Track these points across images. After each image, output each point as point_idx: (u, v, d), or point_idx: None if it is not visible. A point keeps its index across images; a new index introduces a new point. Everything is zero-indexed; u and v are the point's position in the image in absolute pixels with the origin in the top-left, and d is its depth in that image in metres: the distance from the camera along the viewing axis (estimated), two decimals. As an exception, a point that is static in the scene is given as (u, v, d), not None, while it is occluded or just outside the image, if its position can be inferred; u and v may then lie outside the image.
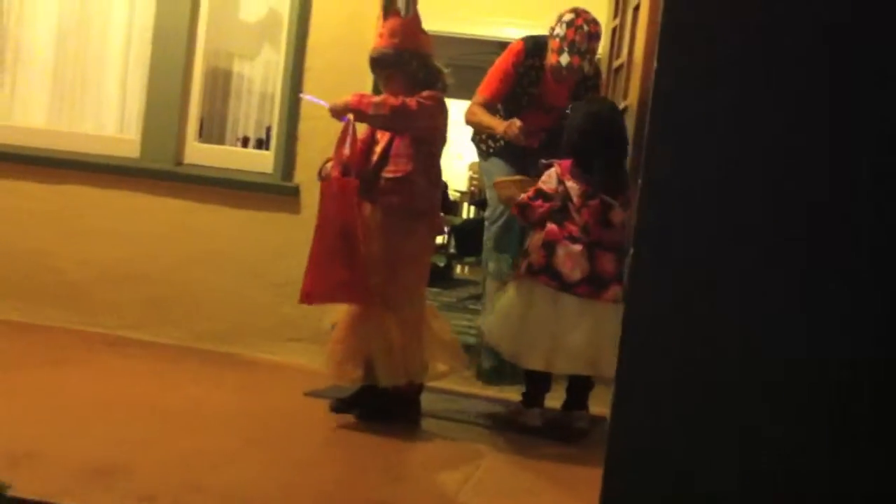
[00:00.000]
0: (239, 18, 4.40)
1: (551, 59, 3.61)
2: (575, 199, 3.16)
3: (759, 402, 1.93)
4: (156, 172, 4.10)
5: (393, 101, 2.99)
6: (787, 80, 1.90)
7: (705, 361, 1.98)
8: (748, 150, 1.94)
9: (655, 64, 1.92)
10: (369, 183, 3.08)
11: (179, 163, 4.14)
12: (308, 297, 3.03)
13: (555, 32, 3.60)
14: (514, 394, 3.50)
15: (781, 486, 1.93)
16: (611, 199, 3.15)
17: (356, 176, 3.02)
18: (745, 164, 1.95)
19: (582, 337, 3.06)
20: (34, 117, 4.43)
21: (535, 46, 3.75)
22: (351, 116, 3.01)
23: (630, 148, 3.36)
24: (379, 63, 3.14)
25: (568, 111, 3.38)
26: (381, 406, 3.09)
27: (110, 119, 4.39)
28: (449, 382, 3.72)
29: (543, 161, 3.26)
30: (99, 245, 4.13)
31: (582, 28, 3.54)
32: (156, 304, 4.06)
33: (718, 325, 1.99)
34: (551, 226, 3.17)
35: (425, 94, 3.06)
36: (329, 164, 3.10)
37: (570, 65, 3.54)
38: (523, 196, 3.24)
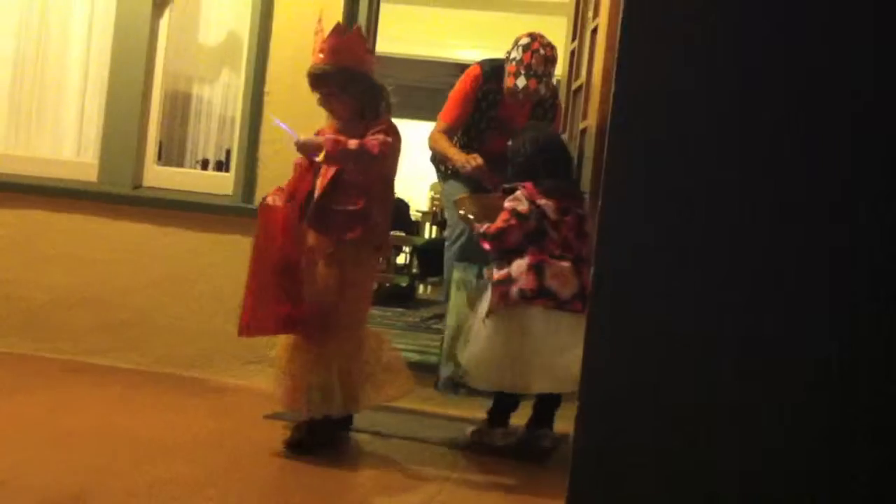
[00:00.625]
0: (198, 41, 4.39)
1: (508, 82, 3.66)
2: (552, 216, 3.16)
3: (729, 423, 1.95)
4: (114, 196, 4.07)
5: (370, 148, 2.90)
6: (747, 107, 1.94)
7: (670, 377, 2.00)
8: (705, 173, 1.98)
9: (613, 87, 1.95)
10: (320, 214, 2.98)
11: (138, 186, 4.12)
12: (246, 329, 2.93)
13: (511, 56, 3.66)
14: (475, 411, 3.49)
15: None
16: (581, 209, 3.20)
17: (302, 205, 2.95)
18: (703, 188, 1.99)
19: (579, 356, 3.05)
20: (-9, 142, 4.37)
21: (492, 70, 3.80)
22: (320, 157, 2.91)
23: (589, 167, 3.41)
24: (320, 81, 3.00)
25: (508, 143, 3.41)
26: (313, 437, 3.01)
27: (68, 143, 4.36)
28: (409, 402, 3.72)
29: (506, 186, 3.25)
30: (57, 270, 4.08)
31: (538, 52, 3.60)
32: (115, 329, 4.01)
33: (679, 347, 2.02)
34: (533, 248, 3.14)
35: (384, 127, 2.99)
36: (272, 196, 3.01)
37: (526, 88, 3.60)
38: (496, 223, 3.18)
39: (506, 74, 3.68)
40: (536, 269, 3.12)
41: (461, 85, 3.90)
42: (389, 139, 2.97)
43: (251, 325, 2.91)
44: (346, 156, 2.90)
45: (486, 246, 3.25)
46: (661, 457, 2.08)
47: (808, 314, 1.90)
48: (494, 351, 3.13)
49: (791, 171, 1.95)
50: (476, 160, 3.67)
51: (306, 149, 2.94)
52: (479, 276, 3.48)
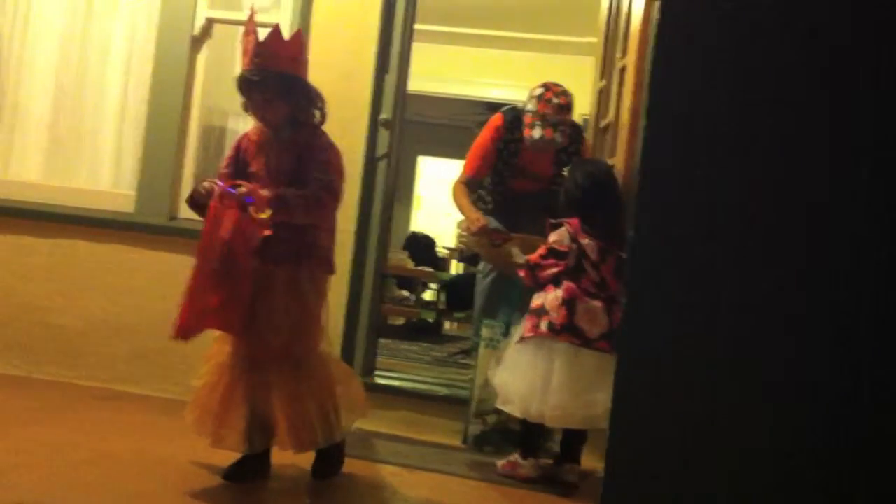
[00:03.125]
0: (234, 76, 4.47)
1: (525, 133, 3.74)
2: (592, 256, 3.20)
3: (760, 453, 1.97)
4: (150, 227, 4.15)
5: (323, 199, 2.79)
6: (774, 146, 1.98)
7: (700, 410, 2.02)
8: (734, 211, 2.01)
9: (643, 126, 2.00)
10: (268, 245, 2.74)
11: (174, 217, 4.19)
12: (181, 330, 2.70)
13: (527, 108, 3.74)
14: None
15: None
16: (622, 252, 3.21)
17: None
18: (731, 226, 2.02)
19: (607, 397, 3.05)
20: (30, 172, 4.48)
21: (514, 120, 3.88)
22: (264, 215, 2.67)
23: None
24: (255, 86, 2.79)
25: (564, 172, 3.48)
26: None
27: (105, 174, 4.45)
28: (436, 436, 3.75)
29: (552, 220, 3.30)
30: (93, 298, 4.16)
31: (551, 101, 3.67)
32: (148, 358, 4.07)
33: (713, 377, 2.04)
34: (569, 283, 3.18)
35: (326, 154, 2.86)
36: (206, 184, 2.82)
37: (542, 137, 3.67)
38: (533, 256, 3.27)
39: (523, 126, 3.76)
40: (568, 304, 3.15)
41: (483, 135, 3.99)
42: (339, 166, 2.87)
43: (185, 325, 2.70)
44: (304, 211, 2.77)
45: (521, 274, 3.31)
46: (691, 496, 2.09)
47: (852, 353, 1.92)
48: (521, 377, 3.18)
49: (826, 202, 1.98)
50: (479, 222, 3.75)
51: (256, 205, 2.67)
52: (506, 333, 3.54)
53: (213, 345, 2.91)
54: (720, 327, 2.00)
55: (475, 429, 3.70)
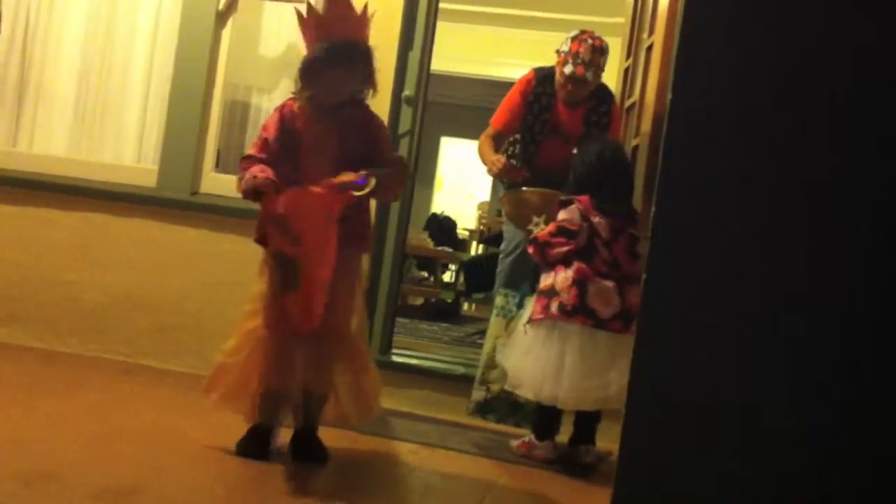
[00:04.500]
0: (258, 52, 4.48)
1: (557, 73, 3.65)
2: (604, 234, 3.15)
3: (774, 438, 1.95)
4: (172, 202, 4.16)
5: (404, 178, 2.83)
6: (799, 122, 1.95)
7: (714, 399, 2.00)
8: (758, 186, 1.98)
9: (668, 102, 1.97)
10: (342, 222, 2.68)
11: (195, 192, 4.21)
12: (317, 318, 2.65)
13: (560, 49, 3.66)
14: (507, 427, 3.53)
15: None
16: (634, 231, 3.18)
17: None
18: (756, 200, 1.99)
19: (622, 378, 3.02)
20: (55, 146, 4.50)
21: (544, 76, 3.81)
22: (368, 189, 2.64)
23: (641, 183, 3.41)
24: (350, 57, 2.73)
25: (574, 150, 3.41)
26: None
27: (129, 149, 4.46)
28: (454, 415, 3.75)
29: (563, 198, 3.25)
30: (116, 273, 4.19)
31: (586, 41, 3.59)
32: (171, 333, 4.10)
33: (728, 369, 2.02)
34: (580, 264, 3.14)
35: (383, 129, 2.93)
36: (264, 176, 2.64)
37: (573, 74, 3.57)
38: (542, 233, 3.22)
39: (556, 69, 3.67)
40: (579, 285, 3.11)
41: (512, 90, 3.92)
42: (401, 156, 2.95)
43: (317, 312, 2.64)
44: (388, 189, 2.79)
45: (530, 249, 3.26)
46: (706, 478, 2.08)
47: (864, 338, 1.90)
48: (533, 360, 3.15)
49: (850, 185, 1.95)
50: (499, 162, 3.68)
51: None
52: (520, 305, 3.49)
53: (247, 320, 2.85)
54: (740, 306, 1.98)
55: (479, 395, 3.61)
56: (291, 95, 2.85)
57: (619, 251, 3.16)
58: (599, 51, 3.62)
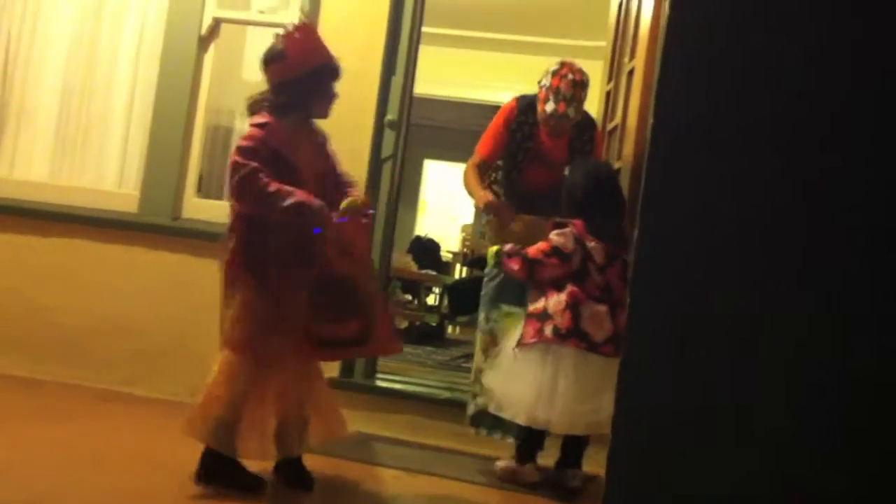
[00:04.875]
0: (241, 77, 4.48)
1: (539, 108, 3.67)
2: (598, 259, 3.16)
3: (761, 460, 1.95)
4: (154, 227, 4.14)
5: None
6: (780, 145, 1.96)
7: (702, 414, 2.00)
8: (738, 214, 1.99)
9: (650, 125, 1.98)
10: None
11: (177, 217, 4.19)
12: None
13: (542, 83, 3.68)
14: (505, 449, 3.49)
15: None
16: (627, 256, 3.18)
17: None
18: (739, 226, 2.00)
19: (609, 402, 3.01)
20: (36, 171, 4.47)
21: (527, 104, 3.83)
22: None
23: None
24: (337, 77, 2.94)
25: (566, 172, 3.42)
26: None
27: (110, 174, 4.44)
28: (437, 439, 3.73)
29: (558, 220, 3.26)
30: (96, 298, 4.15)
31: (566, 76, 3.61)
32: (152, 359, 4.07)
33: (714, 385, 2.02)
34: (573, 287, 3.14)
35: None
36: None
37: (555, 111, 3.58)
38: (533, 249, 3.20)
39: (538, 103, 3.70)
40: (573, 308, 3.11)
41: (495, 119, 3.92)
42: None
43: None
44: None
45: (514, 266, 3.23)
46: (694, 501, 2.07)
47: (853, 355, 1.90)
48: (526, 385, 3.11)
49: (829, 204, 1.96)
50: (485, 198, 3.69)
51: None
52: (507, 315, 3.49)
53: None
54: (723, 329, 1.98)
55: (470, 408, 3.59)
56: (269, 111, 2.83)
57: (612, 276, 3.16)
58: (580, 85, 3.65)
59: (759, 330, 1.96)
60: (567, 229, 3.19)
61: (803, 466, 1.93)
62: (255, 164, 2.68)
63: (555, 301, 3.14)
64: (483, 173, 3.90)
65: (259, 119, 2.81)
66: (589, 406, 3.05)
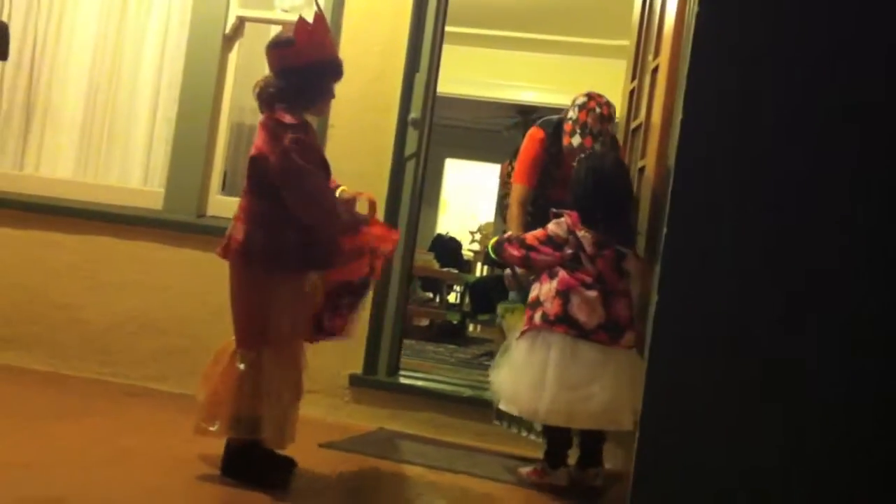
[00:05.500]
0: (265, 74, 4.48)
1: (565, 141, 3.70)
2: (588, 249, 3.16)
3: (789, 452, 1.94)
4: (179, 224, 4.16)
5: None
6: (810, 142, 1.94)
7: (728, 413, 1.99)
8: (772, 211, 1.98)
9: (679, 122, 1.97)
10: None
11: (202, 214, 4.21)
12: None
13: (568, 115, 3.71)
14: (529, 447, 3.48)
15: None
16: (623, 247, 3.18)
17: None
18: (769, 225, 1.99)
19: (604, 392, 3.02)
20: (62, 169, 4.51)
21: (554, 132, 3.85)
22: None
23: (647, 205, 3.41)
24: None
25: (574, 164, 3.43)
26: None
27: (135, 171, 4.48)
28: (463, 438, 3.73)
29: (554, 210, 3.29)
30: (122, 296, 4.18)
31: (594, 111, 3.63)
32: (177, 355, 4.09)
33: (742, 384, 2.00)
34: (563, 274, 3.15)
35: None
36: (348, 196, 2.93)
37: (581, 146, 3.62)
38: (529, 235, 3.25)
39: (563, 133, 3.72)
40: (563, 295, 3.12)
41: (529, 149, 3.94)
42: None
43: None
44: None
45: (514, 252, 3.26)
46: (719, 498, 2.06)
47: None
48: (517, 373, 3.14)
49: (854, 203, 1.95)
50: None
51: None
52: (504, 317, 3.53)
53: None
54: (751, 328, 1.97)
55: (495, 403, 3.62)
56: (287, 110, 2.81)
57: (603, 266, 3.16)
58: (608, 119, 3.68)
59: (793, 329, 1.95)
60: (562, 219, 3.22)
61: (824, 465, 1.91)
62: (321, 175, 2.79)
63: (546, 288, 3.17)
64: (526, 206, 3.92)
65: (289, 119, 2.77)
66: (576, 394, 3.03)
